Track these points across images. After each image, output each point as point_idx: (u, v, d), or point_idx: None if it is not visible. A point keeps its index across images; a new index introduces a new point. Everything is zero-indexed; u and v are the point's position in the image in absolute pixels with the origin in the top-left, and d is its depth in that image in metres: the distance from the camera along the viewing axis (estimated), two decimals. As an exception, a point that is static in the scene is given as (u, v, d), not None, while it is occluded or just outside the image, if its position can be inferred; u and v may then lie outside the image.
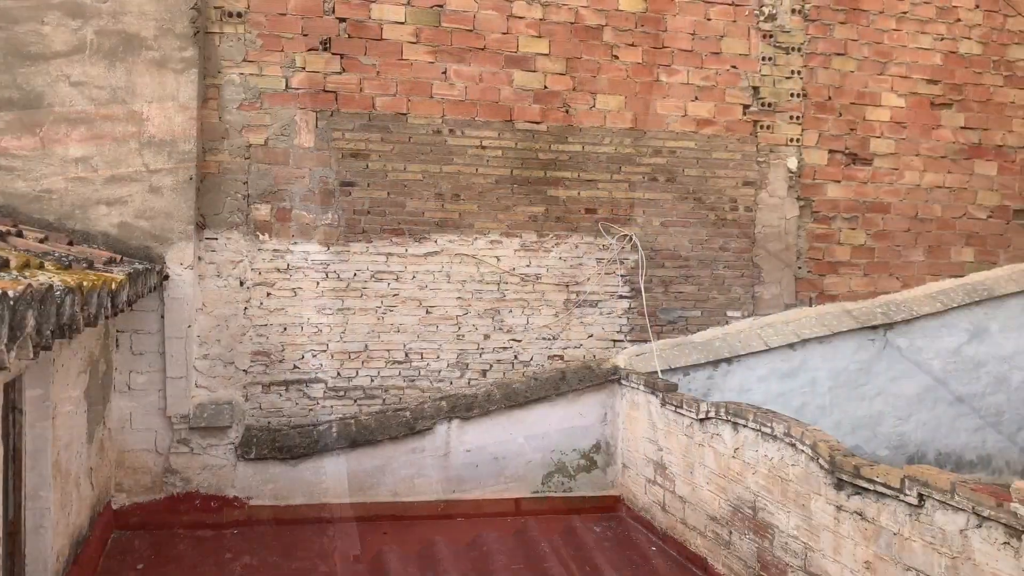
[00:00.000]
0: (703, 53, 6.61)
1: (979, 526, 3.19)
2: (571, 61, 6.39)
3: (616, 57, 6.46)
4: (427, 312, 6.22)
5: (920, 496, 3.46)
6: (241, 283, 5.91)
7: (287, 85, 5.94)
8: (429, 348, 6.23)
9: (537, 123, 6.35)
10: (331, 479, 5.90)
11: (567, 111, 6.40)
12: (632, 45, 6.49)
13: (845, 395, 6.59)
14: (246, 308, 5.93)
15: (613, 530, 5.96)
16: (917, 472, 3.49)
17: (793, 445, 4.28)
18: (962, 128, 7.08)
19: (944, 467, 6.31)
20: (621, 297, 6.59)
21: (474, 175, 6.27)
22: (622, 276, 6.58)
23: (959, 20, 7.04)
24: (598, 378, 6.41)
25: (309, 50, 5.96)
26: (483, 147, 6.27)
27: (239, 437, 5.82)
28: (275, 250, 5.97)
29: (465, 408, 6.13)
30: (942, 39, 7.01)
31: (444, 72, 6.18)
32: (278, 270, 5.97)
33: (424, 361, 6.23)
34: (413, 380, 6.22)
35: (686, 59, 6.58)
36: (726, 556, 4.90)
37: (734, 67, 6.66)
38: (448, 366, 6.27)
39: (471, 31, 6.20)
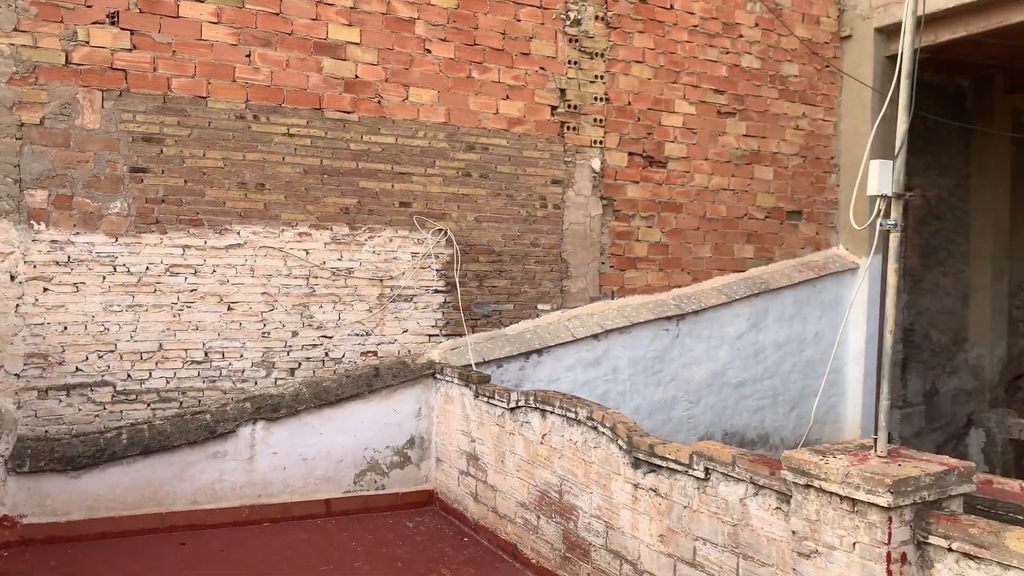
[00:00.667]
0: (513, 53, 6.77)
1: (756, 494, 3.51)
2: (383, 52, 6.31)
3: (429, 51, 6.46)
4: (229, 308, 5.89)
5: (706, 470, 3.75)
6: (12, 278, 5.28)
7: (67, 60, 5.38)
8: (232, 347, 5.90)
9: (348, 113, 6.21)
10: (121, 490, 5.43)
11: (380, 102, 6.31)
12: (445, 40, 6.51)
13: (643, 381, 7.02)
14: (18, 306, 5.31)
15: (426, 524, 5.95)
16: (703, 448, 3.78)
17: (595, 428, 4.48)
18: (744, 136, 7.78)
19: (729, 444, 6.89)
20: (436, 291, 6.60)
21: (281, 164, 6.02)
22: (437, 271, 6.59)
23: (741, 36, 7.72)
24: (413, 373, 6.37)
25: (94, 23, 5.44)
26: (291, 135, 6.03)
27: (9, 449, 5.20)
28: (53, 241, 5.39)
29: (271, 409, 5.87)
30: (727, 53, 7.66)
31: (248, 56, 5.88)
32: (57, 263, 5.40)
33: (226, 361, 5.90)
34: (214, 381, 5.87)
35: (497, 58, 6.71)
36: (534, 541, 5.05)
37: (543, 69, 6.88)
38: (253, 365, 5.97)
39: (277, 15, 5.95)
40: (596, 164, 7.12)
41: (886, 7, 7.70)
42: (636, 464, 4.17)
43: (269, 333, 6.00)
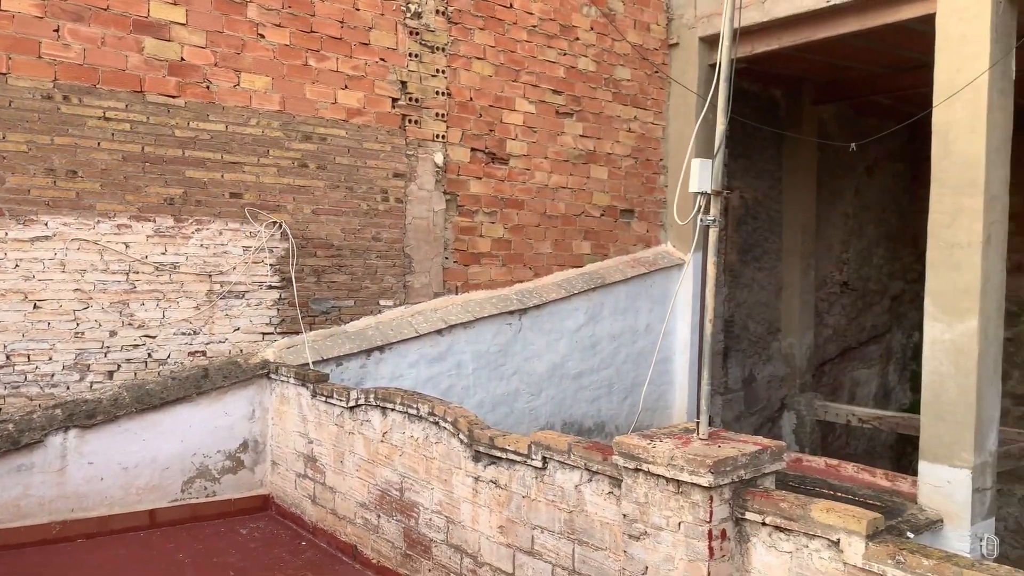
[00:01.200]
0: (352, 42, 6.61)
1: (590, 480, 3.63)
2: (213, 35, 5.96)
3: (263, 36, 6.17)
4: (35, 307, 5.36)
5: (544, 459, 3.83)
6: None
7: None
8: (39, 349, 5.37)
9: (173, 97, 5.81)
10: (-99, 514, 4.81)
11: (208, 87, 5.95)
12: (280, 26, 6.25)
13: (487, 375, 7.10)
14: None
15: (261, 530, 5.70)
16: (541, 438, 3.86)
17: (437, 423, 4.47)
18: (581, 136, 8.04)
19: (568, 434, 7.11)
20: (271, 287, 6.33)
21: (96, 150, 5.54)
22: (272, 265, 6.32)
23: (578, 39, 7.97)
24: (245, 374, 6.08)
25: None
26: (107, 119, 5.57)
27: None
28: None
29: (86, 415, 5.39)
30: (564, 54, 7.88)
31: (57, 30, 5.37)
32: None
33: (32, 364, 5.36)
34: (18, 387, 5.32)
35: (335, 46, 6.53)
36: (375, 540, 4.96)
37: (383, 60, 6.77)
38: (64, 368, 5.47)
39: (90, -14, 5.47)
40: (439, 159, 7.11)
41: (709, 18, 8.21)
42: (477, 457, 4.20)
43: (83, 333, 5.52)
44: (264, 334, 6.30)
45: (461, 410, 4.44)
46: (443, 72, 7.10)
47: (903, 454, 12.58)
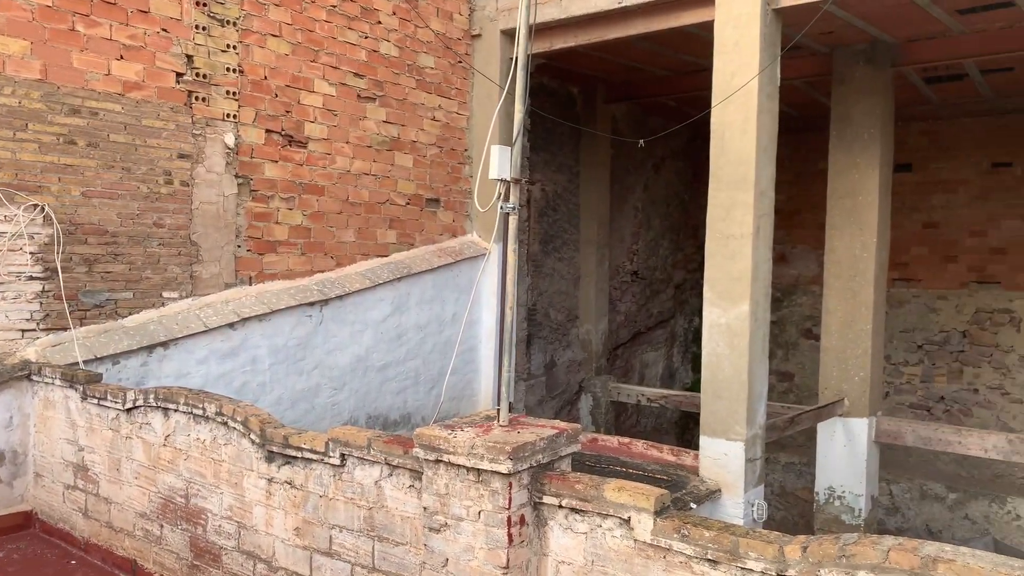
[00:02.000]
0: (129, 9, 6.00)
1: (390, 475, 3.53)
2: (-49, -14, 5.15)
3: (17, -7, 5.43)
4: None
5: (342, 456, 3.69)
6: None
7: None
8: None
9: (-101, 57, 4.96)
10: None
11: (-54, 48, 5.14)
12: (39, -17, 5.53)
13: (285, 370, 6.77)
14: None
15: (22, 551, 5.05)
16: (339, 434, 3.71)
17: (226, 424, 4.17)
18: (384, 122, 7.87)
19: (373, 428, 6.97)
20: (32, 279, 5.61)
21: None
22: (32, 254, 5.60)
23: (379, 23, 7.78)
24: (1, 376, 5.35)
25: None
26: None
27: None
28: None
29: None
30: (366, 37, 7.66)
31: None
32: None
33: None
34: None
35: (108, 12, 5.89)
36: (157, 553, 4.56)
37: (165, 31, 6.21)
38: None
39: None
40: (230, 140, 6.65)
41: (510, 12, 8.34)
42: (270, 458, 3.96)
43: None
44: (24, 331, 5.58)
45: (253, 409, 4.18)
46: (234, 48, 6.64)
47: (686, 428, 13.66)
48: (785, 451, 13.05)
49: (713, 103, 6.72)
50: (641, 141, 7.87)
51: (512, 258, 3.18)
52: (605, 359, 11.71)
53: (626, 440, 7.77)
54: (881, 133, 8.83)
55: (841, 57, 8.93)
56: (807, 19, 6.83)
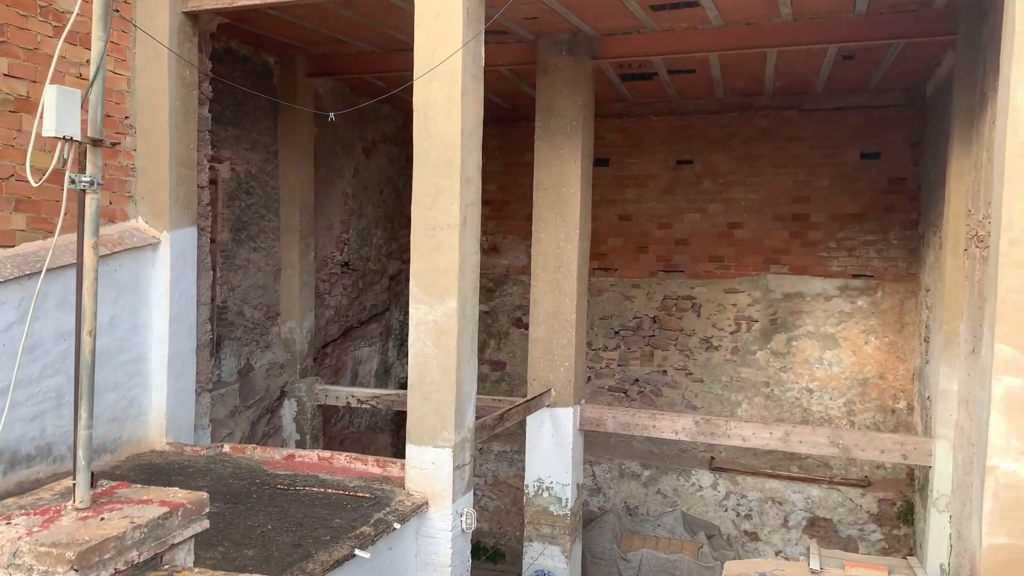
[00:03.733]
0: None
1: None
2: None
3: None
4: None
5: None
6: None
7: None
8: None
9: None
10: None
11: None
12: None
13: None
14: None
15: None
16: None
17: None
18: (6, 75, 6.17)
19: (-10, 469, 5.39)
20: None
21: None
22: None
23: (-2, -52, 6.06)
24: None
25: None
26: None
27: None
28: None
29: None
30: (-26, -37, 5.91)
31: None
32: None
33: None
34: None
35: None
36: None
37: None
38: None
39: None
40: None
41: (177, -47, 7.03)
42: None
43: None
44: None
45: None
46: None
47: (402, 425, 13.14)
48: (498, 440, 13.07)
49: (415, 78, 6.10)
50: (331, 115, 7.05)
51: (90, 258, 2.23)
52: (312, 359, 10.73)
53: (327, 455, 6.95)
54: (583, 126, 8.91)
55: (545, 46, 8.84)
56: (511, -2, 6.50)
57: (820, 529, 11.30)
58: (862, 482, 11.12)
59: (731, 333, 12.06)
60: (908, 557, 6.02)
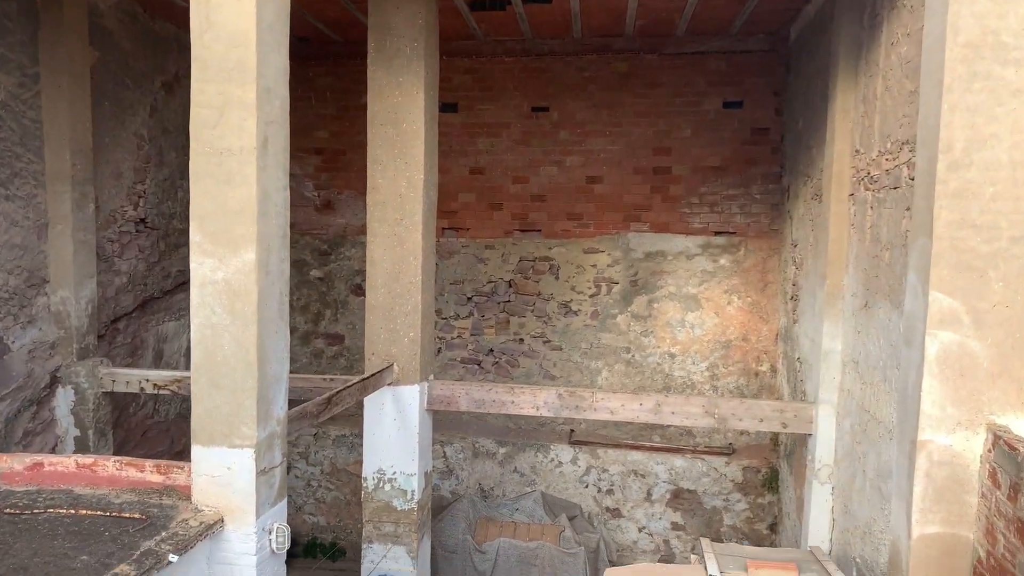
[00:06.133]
0: None
1: None
2: None
3: None
4: None
5: None
6: None
7: None
8: None
9: None
10: None
11: None
12: None
13: None
14: None
15: None
16: None
17: None
18: None
19: None
20: None
21: None
22: None
23: None
24: None
25: None
26: None
27: None
28: None
29: None
30: None
31: None
32: None
33: None
34: None
35: None
36: None
37: None
38: None
39: None
40: None
41: None
42: None
43: None
44: None
45: None
46: None
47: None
48: (335, 423, 11.54)
49: (189, -55, 4.45)
50: None
51: None
52: (96, 337, 8.71)
53: (88, 460, 5.22)
54: (426, 49, 7.47)
55: (379, -51, 7.31)
56: None
57: (684, 502, 10.67)
58: (726, 450, 10.56)
59: (591, 296, 11.12)
60: (812, 548, 5.21)
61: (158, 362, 10.30)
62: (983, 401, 3.97)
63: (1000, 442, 3.73)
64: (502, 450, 11.02)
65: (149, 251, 10.00)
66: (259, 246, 4.60)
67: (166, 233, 10.30)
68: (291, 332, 11.91)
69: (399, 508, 7.81)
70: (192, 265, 4.67)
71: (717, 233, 10.80)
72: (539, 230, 11.22)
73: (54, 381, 8.17)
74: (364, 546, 7.96)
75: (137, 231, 9.76)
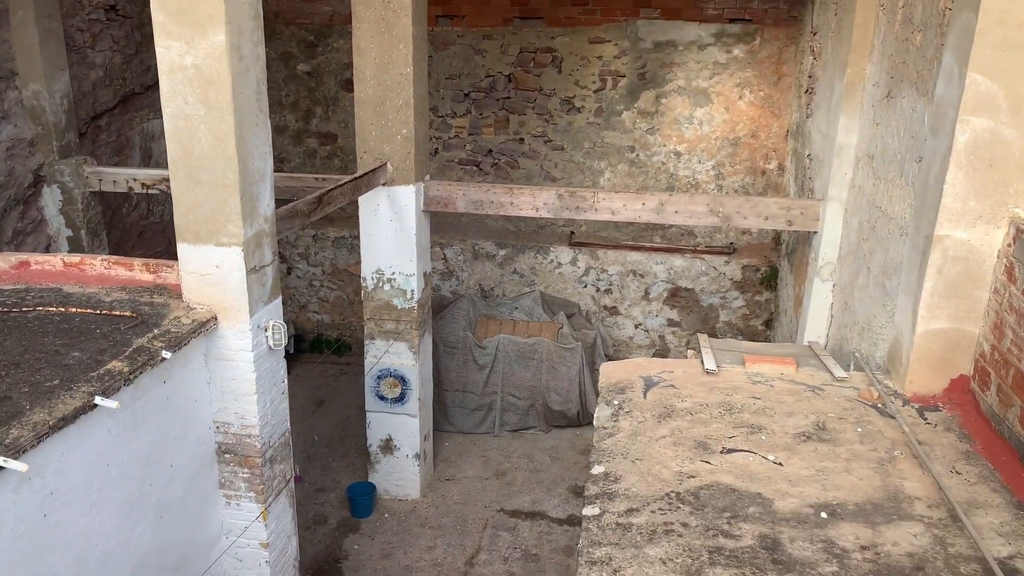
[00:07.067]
0: None
1: None
2: None
3: None
4: None
5: None
6: None
7: None
8: None
9: None
10: None
11: None
12: None
13: None
14: None
15: None
16: None
17: None
18: None
19: None
20: None
21: None
22: None
23: None
24: None
25: None
26: None
27: None
28: None
29: None
30: None
31: None
32: None
33: None
34: None
35: None
36: None
37: None
38: None
39: None
40: None
41: None
42: None
43: None
44: None
45: None
46: None
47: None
48: (334, 225, 11.44)
49: None
50: None
51: None
52: (77, 134, 8.34)
53: (75, 260, 5.10)
54: None
55: None
56: None
57: (681, 300, 10.78)
58: (727, 249, 10.50)
59: (595, 91, 10.55)
60: (810, 343, 5.20)
61: (147, 161, 9.99)
62: (1009, 194, 3.73)
63: (1023, 235, 3.53)
64: (502, 252, 10.98)
65: (124, 42, 9.34)
66: (228, 27, 4.15)
67: (140, 22, 9.56)
68: (281, 130, 11.45)
69: (399, 307, 7.85)
70: (158, 50, 4.25)
71: (732, 20, 10.02)
72: (541, 17, 10.42)
73: (38, 180, 7.92)
74: (367, 342, 8.10)
75: (108, 19, 9.05)
